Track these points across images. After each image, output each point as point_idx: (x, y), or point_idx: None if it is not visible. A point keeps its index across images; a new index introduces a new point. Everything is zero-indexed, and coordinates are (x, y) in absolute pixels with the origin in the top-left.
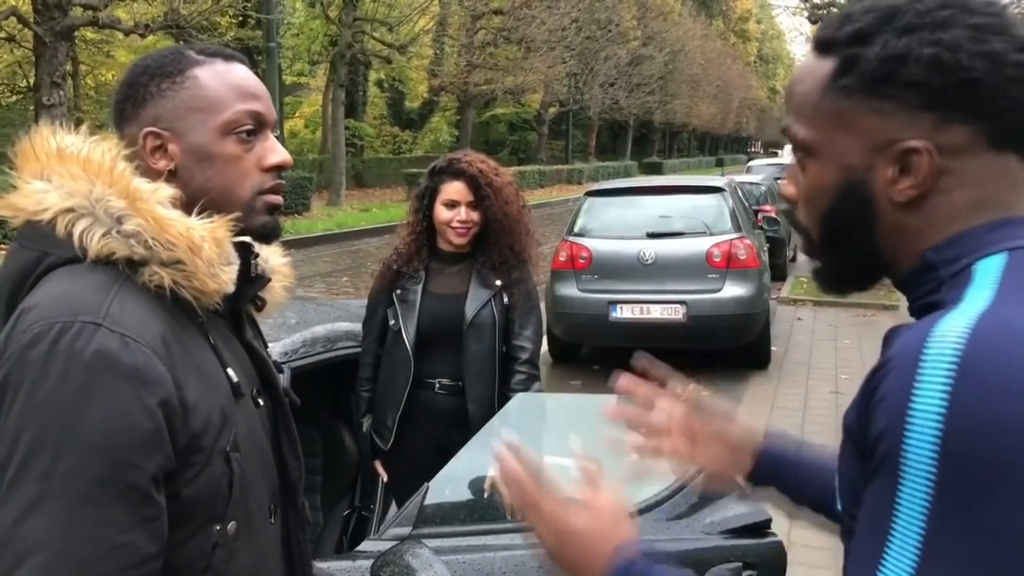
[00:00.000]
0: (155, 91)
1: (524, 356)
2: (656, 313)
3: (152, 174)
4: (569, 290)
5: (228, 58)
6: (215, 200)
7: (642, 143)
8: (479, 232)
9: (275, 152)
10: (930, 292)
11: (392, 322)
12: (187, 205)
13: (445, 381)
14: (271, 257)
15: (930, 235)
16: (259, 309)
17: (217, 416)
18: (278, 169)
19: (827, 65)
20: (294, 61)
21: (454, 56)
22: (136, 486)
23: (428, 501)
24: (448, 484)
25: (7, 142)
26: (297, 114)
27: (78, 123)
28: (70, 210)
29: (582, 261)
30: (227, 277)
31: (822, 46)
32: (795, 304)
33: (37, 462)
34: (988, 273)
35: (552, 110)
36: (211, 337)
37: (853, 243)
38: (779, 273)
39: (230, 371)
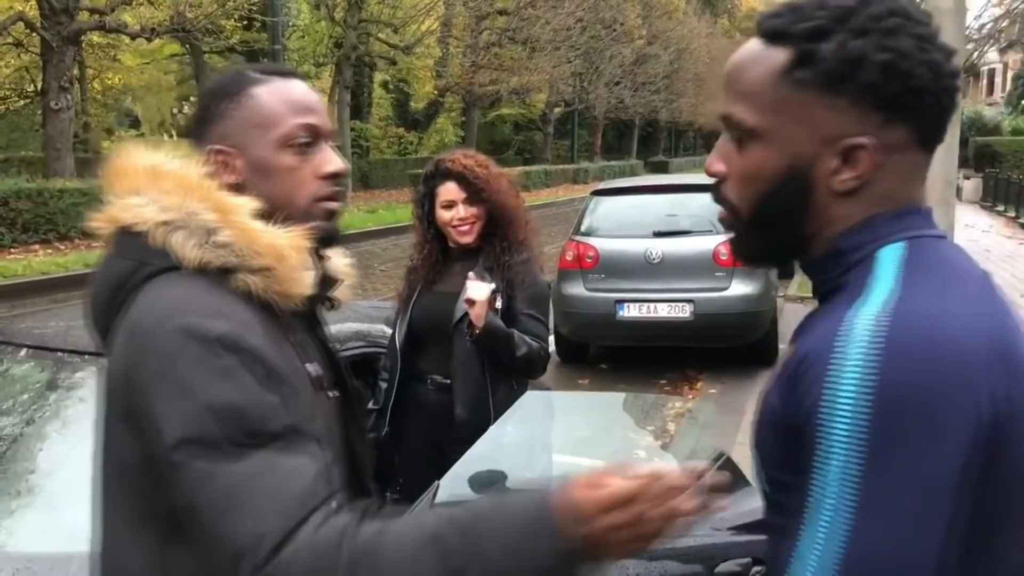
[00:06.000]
0: (220, 111)
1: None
2: (663, 312)
3: (225, 188)
4: (576, 289)
5: (286, 75)
6: (277, 209)
7: (648, 142)
8: (484, 226)
9: (331, 161)
10: (837, 276)
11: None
12: (261, 216)
13: (436, 378)
14: (335, 259)
15: (847, 223)
16: (333, 308)
17: (307, 407)
18: (334, 177)
19: (780, 55)
20: (299, 63)
21: (459, 57)
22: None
23: (439, 499)
24: (459, 482)
25: (16, 146)
26: None
27: (85, 127)
28: (166, 223)
29: (589, 260)
30: (308, 281)
31: (773, 36)
32: (802, 302)
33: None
34: (889, 262)
35: (557, 110)
36: (290, 336)
37: (783, 225)
38: (786, 271)
39: (308, 366)
